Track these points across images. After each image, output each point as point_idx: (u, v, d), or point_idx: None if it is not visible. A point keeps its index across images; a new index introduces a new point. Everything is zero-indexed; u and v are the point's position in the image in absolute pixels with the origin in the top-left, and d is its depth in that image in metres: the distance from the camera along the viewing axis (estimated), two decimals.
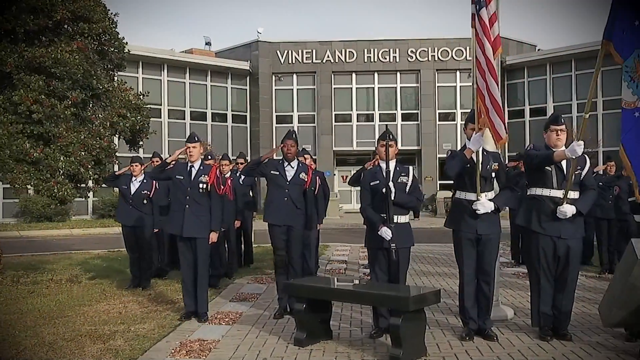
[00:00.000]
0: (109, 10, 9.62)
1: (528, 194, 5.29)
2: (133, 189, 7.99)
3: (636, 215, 5.56)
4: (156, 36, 66.54)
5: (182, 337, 5.42)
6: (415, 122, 27.90)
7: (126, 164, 8.32)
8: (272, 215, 6.26)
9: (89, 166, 8.54)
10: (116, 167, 10.85)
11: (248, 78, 28.35)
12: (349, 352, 4.94)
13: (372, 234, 5.33)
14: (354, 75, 27.97)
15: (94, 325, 5.91)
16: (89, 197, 16.46)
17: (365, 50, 27.62)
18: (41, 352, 5.01)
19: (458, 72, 27.44)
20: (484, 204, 5.11)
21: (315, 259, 8.80)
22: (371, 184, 5.37)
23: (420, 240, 13.29)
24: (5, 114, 8.19)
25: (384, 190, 5.21)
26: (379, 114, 28.11)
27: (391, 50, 27.57)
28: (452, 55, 27.23)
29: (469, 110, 5.51)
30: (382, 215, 5.23)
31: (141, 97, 11.24)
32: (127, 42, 10.60)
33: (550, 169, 5.11)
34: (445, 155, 5.50)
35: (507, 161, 10.66)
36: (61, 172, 8.13)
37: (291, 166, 6.28)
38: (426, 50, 27.47)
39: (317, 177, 8.09)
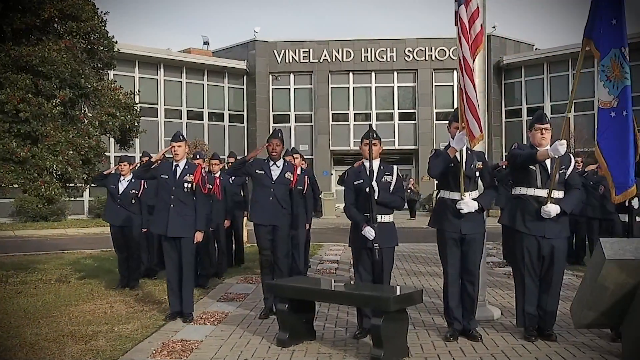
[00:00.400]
0: (98, 9, 9.59)
1: (513, 193, 5.25)
2: (121, 188, 7.95)
3: (621, 215, 5.51)
4: (155, 36, 66.55)
5: (165, 338, 5.38)
6: (413, 122, 27.88)
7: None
8: (257, 214, 6.23)
9: (77, 165, 8.48)
10: (112, 166, 10.79)
11: (245, 77, 28.33)
12: (331, 352, 4.90)
13: (355, 234, 5.29)
14: (351, 74, 27.95)
15: (78, 326, 5.87)
16: (78, 197, 16.36)
17: (363, 50, 27.59)
18: (21, 353, 4.97)
19: (455, 72, 27.16)
20: (468, 203, 5.07)
21: (306, 258, 8.77)
22: (355, 183, 5.33)
23: (417, 239, 13.32)
24: None
25: (367, 189, 5.17)
26: (376, 113, 28.10)
27: (388, 49, 27.55)
28: (449, 55, 27.19)
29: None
30: (366, 214, 5.19)
31: (132, 96, 11.16)
32: (116, 41, 10.54)
33: (534, 168, 5.07)
34: None
35: (504, 159, 10.60)
36: (49, 171, 8.07)
37: (277, 165, 6.24)
38: (423, 49, 27.44)
39: (306, 177, 8.06)
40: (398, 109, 28.08)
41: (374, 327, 4.54)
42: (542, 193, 5.03)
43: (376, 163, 5.31)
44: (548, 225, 5.02)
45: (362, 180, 5.27)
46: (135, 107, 10.91)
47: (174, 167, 6.17)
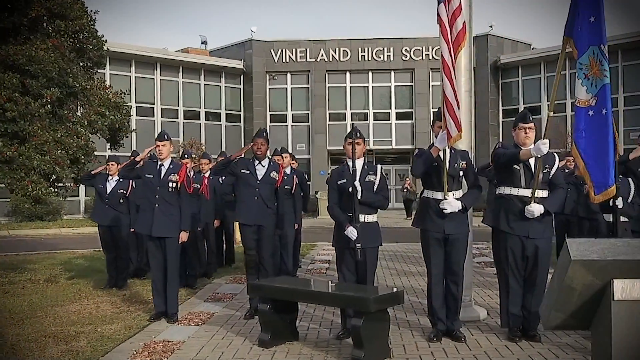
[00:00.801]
0: (87, 7, 9.55)
1: (497, 193, 5.21)
2: (109, 188, 7.92)
3: (605, 214, 5.48)
4: (154, 35, 66.49)
5: (147, 338, 5.35)
6: (410, 121, 27.81)
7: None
8: (242, 214, 6.20)
9: (65, 165, 8.45)
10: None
11: (242, 77, 28.27)
12: (312, 353, 4.87)
13: (339, 234, 5.25)
14: (348, 74, 27.88)
15: (61, 326, 5.84)
16: (67, 197, 16.29)
17: (360, 49, 27.53)
18: (1, 354, 4.94)
19: None
20: (451, 203, 5.03)
21: (296, 258, 8.74)
22: (338, 182, 5.29)
23: (412, 239, 13.16)
24: None
25: (350, 189, 5.13)
26: (373, 113, 28.04)
27: (385, 49, 27.48)
28: None
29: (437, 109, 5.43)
30: (349, 214, 5.15)
31: (121, 95, 11.11)
32: (106, 40, 10.50)
33: (518, 168, 5.03)
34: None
35: None
36: (36, 171, 8.04)
37: (262, 165, 6.21)
38: (420, 49, 27.37)
39: (295, 177, 8.04)
40: (395, 108, 28.03)
41: (354, 328, 4.50)
42: (526, 193, 4.99)
43: (359, 162, 5.28)
44: (532, 225, 4.98)
45: (345, 180, 5.23)
46: (126, 107, 10.85)
47: (158, 167, 6.14)
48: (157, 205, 6.06)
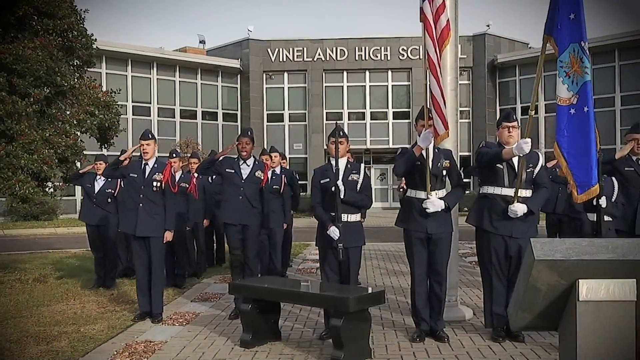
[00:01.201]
0: (76, 6, 9.49)
1: (480, 192, 5.18)
2: (97, 187, 7.90)
3: (589, 214, 5.44)
4: (153, 35, 66.46)
5: (130, 339, 5.32)
6: (407, 121, 27.74)
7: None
8: (227, 214, 6.17)
9: (53, 164, 8.40)
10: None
11: (239, 76, 28.22)
12: (294, 353, 4.83)
13: (322, 233, 5.21)
14: (345, 73, 27.83)
15: (44, 326, 5.81)
16: (57, 196, 16.20)
17: (357, 48, 27.47)
18: None
19: None
20: (434, 202, 4.99)
21: (286, 258, 8.70)
22: (321, 182, 5.26)
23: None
24: None
25: (332, 188, 5.10)
26: (371, 112, 27.99)
27: (382, 48, 27.43)
28: None
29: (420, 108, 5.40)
30: (332, 214, 5.12)
31: (111, 94, 11.06)
32: (95, 39, 10.44)
33: (501, 167, 5.00)
34: None
35: None
36: (23, 170, 7.99)
37: (247, 164, 6.17)
38: (418, 48, 27.27)
39: (284, 176, 8.00)
40: (392, 107, 27.98)
41: (334, 328, 4.47)
42: (509, 192, 4.96)
43: (343, 161, 5.24)
44: (515, 224, 4.95)
45: (328, 179, 5.20)
46: (116, 106, 10.80)
47: (143, 166, 6.11)
48: (141, 204, 6.02)
